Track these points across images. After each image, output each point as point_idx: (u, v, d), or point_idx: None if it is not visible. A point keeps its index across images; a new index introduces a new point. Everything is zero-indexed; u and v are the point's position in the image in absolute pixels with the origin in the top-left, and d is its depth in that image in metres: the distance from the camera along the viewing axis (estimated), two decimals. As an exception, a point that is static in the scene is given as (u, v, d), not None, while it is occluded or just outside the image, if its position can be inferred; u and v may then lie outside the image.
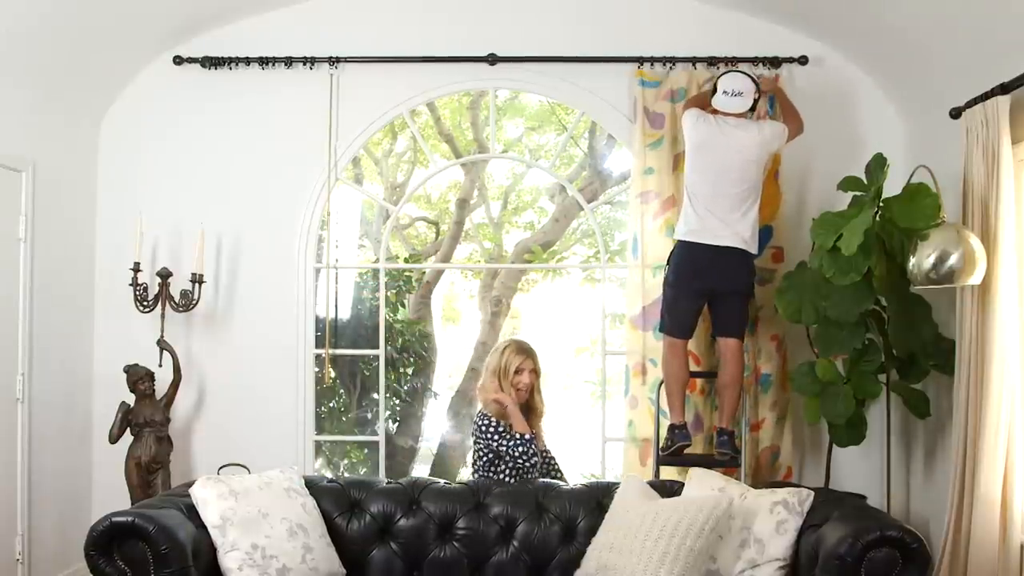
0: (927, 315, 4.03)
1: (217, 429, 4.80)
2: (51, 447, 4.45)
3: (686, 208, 4.25)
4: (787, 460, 4.62)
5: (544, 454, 4.10)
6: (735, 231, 4.16)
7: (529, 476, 3.95)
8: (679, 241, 4.27)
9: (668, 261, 4.36)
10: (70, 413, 4.66)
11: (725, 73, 4.35)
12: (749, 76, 4.31)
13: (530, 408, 4.12)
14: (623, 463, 4.72)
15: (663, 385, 4.39)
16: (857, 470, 4.50)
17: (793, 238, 4.70)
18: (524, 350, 4.13)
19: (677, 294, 4.28)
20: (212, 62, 4.76)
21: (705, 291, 4.25)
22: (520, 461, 3.91)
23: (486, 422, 3.99)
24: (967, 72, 3.89)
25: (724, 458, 4.24)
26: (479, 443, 4.02)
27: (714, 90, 4.30)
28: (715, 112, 4.28)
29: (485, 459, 3.99)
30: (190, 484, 3.39)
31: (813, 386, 4.21)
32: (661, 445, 4.35)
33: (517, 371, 4.06)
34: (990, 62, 3.71)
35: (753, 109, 4.30)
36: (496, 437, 3.95)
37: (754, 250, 4.24)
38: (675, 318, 4.30)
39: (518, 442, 3.93)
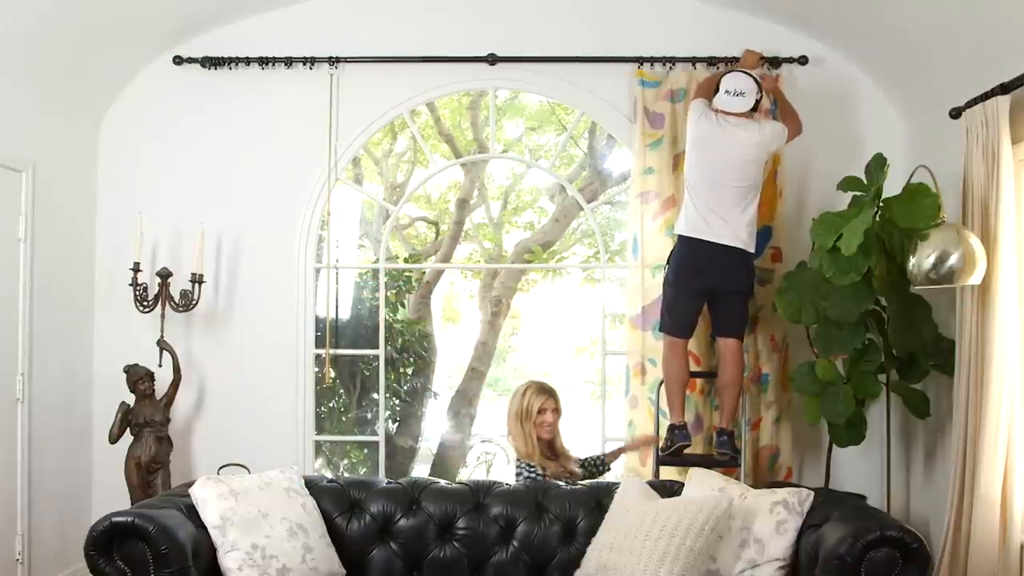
0: (927, 315, 4.03)
1: (217, 429, 4.80)
2: (51, 447, 4.45)
3: (687, 204, 4.25)
4: (787, 460, 4.61)
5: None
6: (734, 230, 4.16)
7: None
8: (680, 236, 4.26)
9: (668, 260, 4.36)
10: (70, 413, 4.66)
11: (728, 72, 4.33)
12: (752, 76, 4.30)
13: (553, 448, 4.16)
14: (624, 463, 4.72)
15: (663, 385, 4.39)
16: (857, 470, 4.50)
17: (793, 238, 4.71)
18: (545, 390, 4.18)
19: (677, 293, 4.28)
20: (212, 62, 4.76)
21: (705, 290, 4.25)
22: None
23: (535, 473, 4.01)
24: (967, 72, 3.89)
25: (724, 458, 4.25)
26: None
27: (716, 89, 4.29)
28: (717, 111, 4.28)
29: None
30: (190, 484, 3.39)
31: (813, 386, 4.21)
32: (660, 445, 4.35)
33: (540, 411, 4.09)
34: (990, 62, 3.71)
35: (756, 109, 4.29)
36: None
37: (752, 250, 4.25)
38: (675, 317, 4.30)
39: None
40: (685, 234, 4.22)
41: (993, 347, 3.48)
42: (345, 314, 7.35)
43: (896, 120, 4.75)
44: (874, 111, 4.77)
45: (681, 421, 4.31)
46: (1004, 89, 3.52)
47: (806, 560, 3.23)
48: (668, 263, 4.35)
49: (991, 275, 3.54)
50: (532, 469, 4.01)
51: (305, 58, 4.74)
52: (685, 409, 4.35)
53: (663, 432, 4.38)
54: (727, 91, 4.24)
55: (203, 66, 4.77)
